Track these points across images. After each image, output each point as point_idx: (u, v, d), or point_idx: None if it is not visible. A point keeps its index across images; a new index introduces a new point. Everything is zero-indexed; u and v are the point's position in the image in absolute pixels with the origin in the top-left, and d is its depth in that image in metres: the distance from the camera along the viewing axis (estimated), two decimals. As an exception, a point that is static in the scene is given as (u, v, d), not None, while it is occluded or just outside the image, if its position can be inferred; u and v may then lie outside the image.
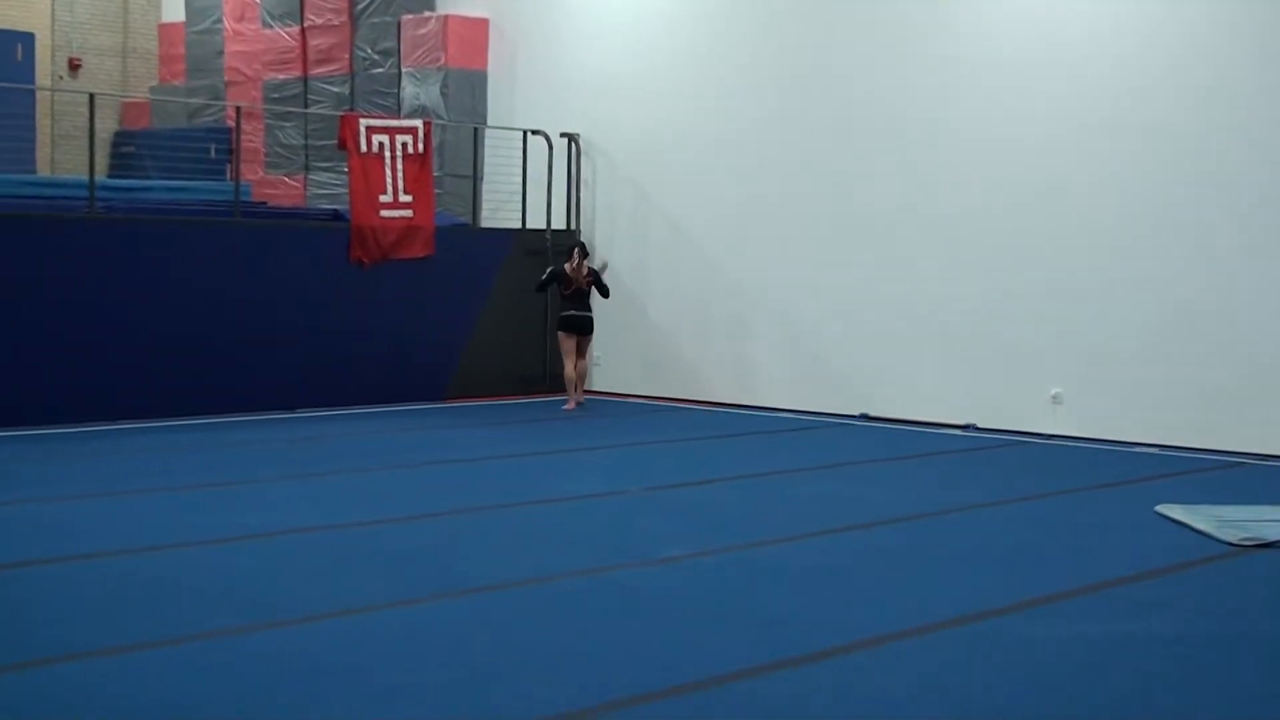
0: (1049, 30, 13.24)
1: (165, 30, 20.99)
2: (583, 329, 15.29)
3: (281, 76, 18.68)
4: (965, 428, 13.70)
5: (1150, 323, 12.77)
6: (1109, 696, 5.82)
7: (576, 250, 15.27)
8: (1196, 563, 8.25)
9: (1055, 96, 13.21)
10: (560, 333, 15.31)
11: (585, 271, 15.25)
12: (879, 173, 14.33)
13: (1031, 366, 13.41)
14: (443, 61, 16.99)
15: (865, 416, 14.40)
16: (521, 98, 17.03)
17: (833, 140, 14.65)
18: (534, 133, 16.36)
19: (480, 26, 17.29)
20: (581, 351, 15.39)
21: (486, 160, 16.80)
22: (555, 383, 15.91)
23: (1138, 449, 12.62)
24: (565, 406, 15.25)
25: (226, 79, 19.36)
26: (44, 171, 19.08)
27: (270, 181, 18.48)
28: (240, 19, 19.23)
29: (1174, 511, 9.52)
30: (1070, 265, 13.17)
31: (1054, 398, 13.29)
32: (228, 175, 17.00)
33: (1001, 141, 13.53)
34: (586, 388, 15.82)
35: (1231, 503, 9.89)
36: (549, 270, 15.38)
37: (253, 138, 18.61)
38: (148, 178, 16.98)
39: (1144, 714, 5.69)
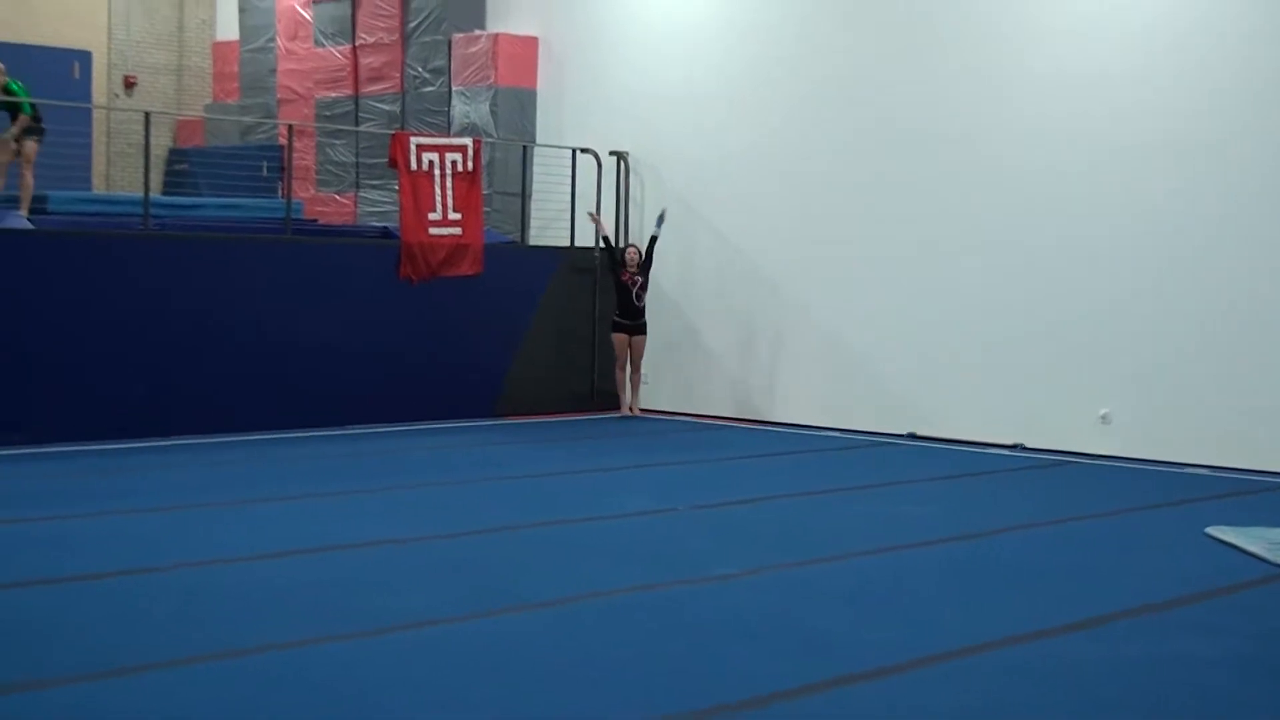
0: (1100, 48, 13.20)
1: (219, 49, 21.25)
2: (634, 330, 15.63)
3: (333, 95, 18.85)
4: (1013, 447, 13.64)
5: (1200, 342, 12.69)
6: (1158, 718, 5.80)
7: (629, 250, 15.67)
8: (1247, 585, 8.19)
9: (1102, 115, 13.15)
10: (613, 334, 15.57)
11: (635, 268, 15.47)
12: (929, 191, 14.31)
13: (1080, 386, 13.35)
14: (492, 80, 17.10)
15: (913, 436, 14.36)
16: (571, 116, 17.11)
17: (882, 159, 14.64)
18: (583, 151, 16.44)
19: (530, 45, 17.40)
20: (635, 355, 15.65)
21: (535, 178, 16.89)
22: (603, 399, 15.96)
23: (1187, 469, 12.54)
24: (622, 412, 15.57)
25: (279, 97, 19.56)
26: (100, 188, 19.34)
27: (321, 199, 18.65)
28: (293, 38, 19.43)
29: (1224, 533, 9.45)
30: (1119, 284, 13.11)
31: (1103, 417, 13.22)
32: (280, 193, 17.17)
33: (1050, 160, 13.49)
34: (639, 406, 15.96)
35: (1283, 525, 9.83)
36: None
37: (304, 155, 18.79)
38: (201, 195, 17.19)
39: (1193, 737, 5.67)
